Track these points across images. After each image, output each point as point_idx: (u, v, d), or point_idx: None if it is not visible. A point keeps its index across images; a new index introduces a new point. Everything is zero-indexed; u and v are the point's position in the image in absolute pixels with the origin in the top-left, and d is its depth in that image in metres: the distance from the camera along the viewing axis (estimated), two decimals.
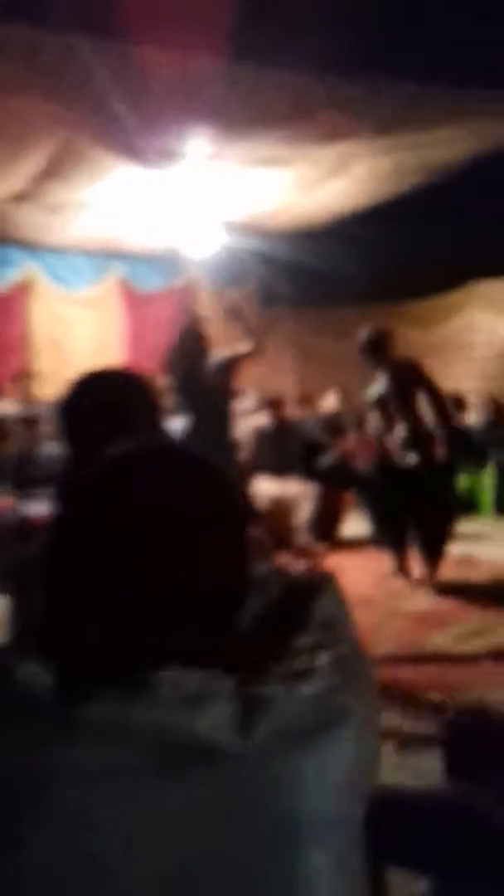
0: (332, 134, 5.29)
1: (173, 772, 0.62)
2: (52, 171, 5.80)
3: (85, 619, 0.69)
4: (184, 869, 0.61)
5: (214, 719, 0.63)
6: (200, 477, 0.74)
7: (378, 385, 4.36)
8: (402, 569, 4.42)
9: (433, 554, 4.28)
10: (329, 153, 5.75)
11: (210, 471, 0.75)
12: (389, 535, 4.55)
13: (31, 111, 4.75)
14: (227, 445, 3.95)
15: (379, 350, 4.31)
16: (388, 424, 4.29)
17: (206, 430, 3.73)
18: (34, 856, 0.61)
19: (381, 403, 4.32)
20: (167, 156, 5.45)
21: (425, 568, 4.31)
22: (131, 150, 5.39)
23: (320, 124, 5.08)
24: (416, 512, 4.31)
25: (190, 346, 3.91)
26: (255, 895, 0.63)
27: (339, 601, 0.79)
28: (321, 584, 0.78)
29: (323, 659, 0.69)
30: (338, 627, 0.75)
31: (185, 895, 0.61)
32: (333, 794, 0.65)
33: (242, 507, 0.77)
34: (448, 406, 4.48)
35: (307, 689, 0.66)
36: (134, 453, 0.76)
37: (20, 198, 6.46)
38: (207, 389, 3.88)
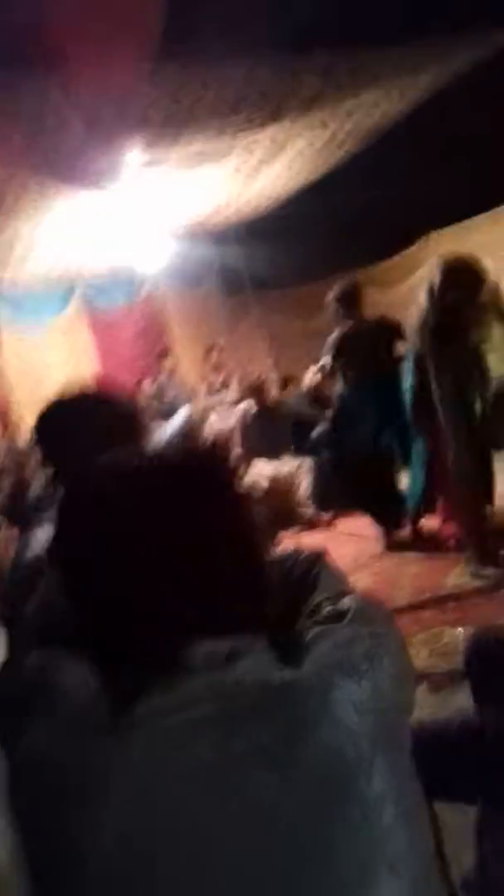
0: (262, 119, 5.37)
1: (230, 722, 0.65)
2: None
3: (108, 615, 0.74)
4: (260, 808, 0.64)
5: (255, 666, 0.68)
6: (190, 482, 0.79)
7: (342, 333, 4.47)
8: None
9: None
10: (261, 137, 5.82)
11: (197, 473, 0.81)
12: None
13: None
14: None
15: (352, 302, 4.45)
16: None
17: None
18: (109, 829, 0.64)
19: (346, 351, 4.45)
20: (105, 173, 5.50)
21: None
22: (69, 175, 5.45)
23: (247, 113, 5.15)
24: None
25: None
26: (328, 818, 0.65)
27: (335, 569, 0.88)
28: (316, 559, 0.89)
29: (346, 603, 0.76)
30: (344, 584, 0.84)
31: (262, 829, 0.64)
32: (386, 714, 0.69)
33: (239, 497, 0.82)
34: None
35: (342, 625, 0.73)
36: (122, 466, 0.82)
37: None
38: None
